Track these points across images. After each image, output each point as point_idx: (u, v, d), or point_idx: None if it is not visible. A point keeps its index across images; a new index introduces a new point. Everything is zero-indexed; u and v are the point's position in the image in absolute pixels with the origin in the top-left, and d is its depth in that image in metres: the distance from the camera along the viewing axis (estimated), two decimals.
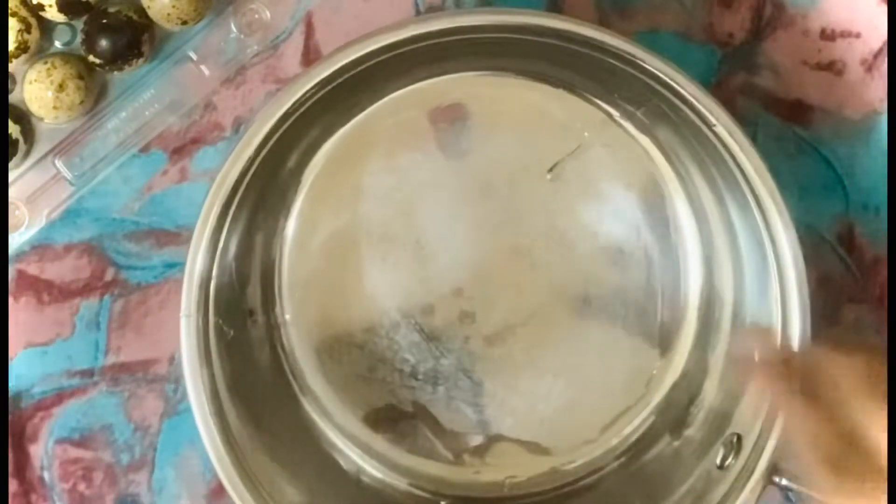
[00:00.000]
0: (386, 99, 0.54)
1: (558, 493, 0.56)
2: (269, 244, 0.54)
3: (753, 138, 0.55)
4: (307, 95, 0.47)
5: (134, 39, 0.52)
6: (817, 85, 0.55)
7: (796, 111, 0.55)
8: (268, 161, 0.48)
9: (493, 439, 0.56)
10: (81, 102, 0.52)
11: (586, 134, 0.54)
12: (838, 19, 0.55)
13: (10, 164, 0.52)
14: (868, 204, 0.56)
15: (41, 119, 0.53)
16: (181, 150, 0.55)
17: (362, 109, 0.54)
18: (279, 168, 0.53)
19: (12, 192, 0.52)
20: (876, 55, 0.55)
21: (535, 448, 0.56)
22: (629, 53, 0.47)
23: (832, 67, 0.55)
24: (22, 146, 0.52)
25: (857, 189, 0.56)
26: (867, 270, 0.56)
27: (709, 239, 0.54)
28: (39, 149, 0.53)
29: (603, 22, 0.55)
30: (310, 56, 0.55)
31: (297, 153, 0.53)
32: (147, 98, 0.53)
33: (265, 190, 0.51)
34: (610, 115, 0.54)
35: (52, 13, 0.51)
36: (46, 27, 0.53)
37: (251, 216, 0.52)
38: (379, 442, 0.55)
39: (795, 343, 0.48)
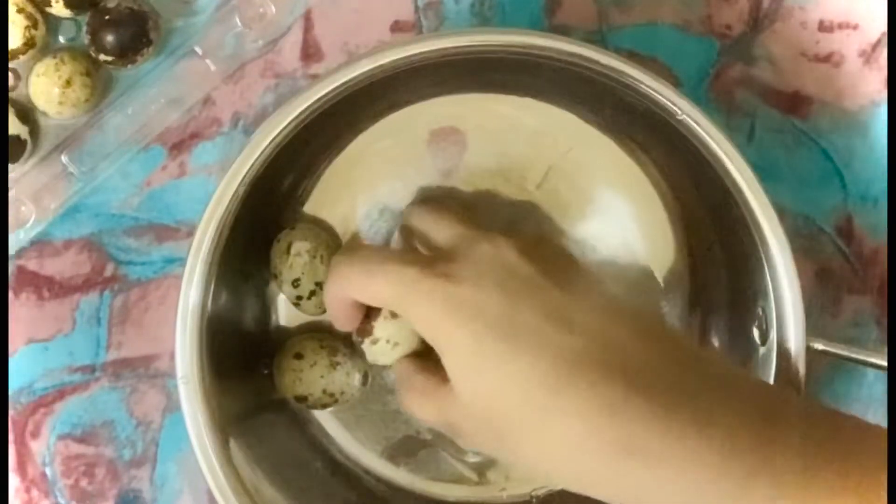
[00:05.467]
0: (382, 120, 0.53)
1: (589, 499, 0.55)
2: (263, 289, 0.54)
3: (751, 130, 0.56)
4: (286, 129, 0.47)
5: (139, 30, 0.51)
6: (815, 77, 0.56)
7: (794, 103, 0.56)
8: (260, 185, 0.48)
9: None
10: (87, 99, 0.52)
11: (571, 146, 0.54)
12: (836, 11, 0.55)
13: (18, 162, 0.52)
14: (867, 195, 0.56)
15: (46, 114, 0.52)
16: (180, 145, 0.55)
17: (358, 132, 0.53)
18: (272, 193, 0.52)
19: (19, 189, 0.52)
20: (874, 46, 0.55)
21: None
22: (580, 56, 0.47)
23: (830, 59, 0.56)
24: (29, 145, 0.52)
25: (856, 180, 0.56)
26: (866, 262, 0.56)
27: (699, 237, 0.54)
28: (45, 145, 0.53)
29: (602, 16, 0.55)
30: (308, 51, 0.54)
31: (292, 175, 0.53)
32: (152, 94, 0.53)
33: (257, 217, 0.51)
34: (593, 124, 0.53)
35: (59, 9, 0.51)
36: (51, 23, 0.52)
37: (244, 251, 0.51)
38: (402, 474, 0.55)
39: (792, 338, 0.48)
